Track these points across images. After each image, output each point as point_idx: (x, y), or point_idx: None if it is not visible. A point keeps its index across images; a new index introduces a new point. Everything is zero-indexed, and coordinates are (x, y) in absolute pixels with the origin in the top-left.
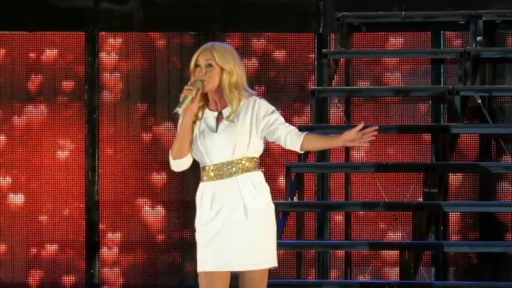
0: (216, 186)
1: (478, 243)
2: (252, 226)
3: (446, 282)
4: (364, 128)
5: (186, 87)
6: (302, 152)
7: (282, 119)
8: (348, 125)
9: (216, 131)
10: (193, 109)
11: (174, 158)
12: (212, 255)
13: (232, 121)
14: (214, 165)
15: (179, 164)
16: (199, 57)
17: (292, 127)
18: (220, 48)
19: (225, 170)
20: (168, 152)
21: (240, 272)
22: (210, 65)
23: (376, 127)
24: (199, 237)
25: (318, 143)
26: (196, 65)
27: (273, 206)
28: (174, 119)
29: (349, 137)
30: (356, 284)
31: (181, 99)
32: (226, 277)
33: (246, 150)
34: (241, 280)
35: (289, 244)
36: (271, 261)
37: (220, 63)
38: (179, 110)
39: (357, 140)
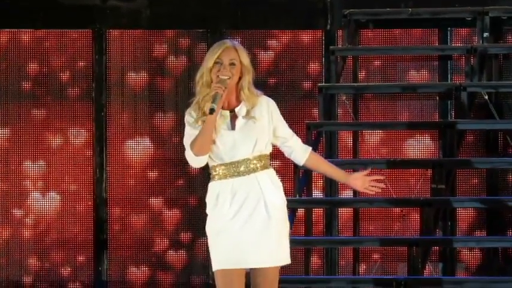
0: (236, 183)
1: (485, 239)
2: (273, 224)
3: (454, 278)
4: (369, 174)
5: (214, 85)
6: (300, 165)
7: (288, 127)
8: (356, 122)
9: (234, 129)
10: (220, 107)
11: (196, 155)
12: (231, 252)
13: (253, 117)
14: (232, 162)
15: (200, 161)
16: (223, 55)
17: (298, 138)
18: (240, 46)
19: (244, 167)
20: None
21: (252, 269)
22: (233, 64)
23: (382, 177)
24: (216, 236)
25: (323, 166)
26: (216, 62)
27: (286, 202)
28: (210, 113)
29: (356, 178)
30: (364, 280)
31: (212, 97)
32: (242, 274)
33: (264, 147)
34: (254, 277)
35: (297, 240)
36: (287, 258)
37: (243, 61)
38: (215, 106)
39: (363, 185)
